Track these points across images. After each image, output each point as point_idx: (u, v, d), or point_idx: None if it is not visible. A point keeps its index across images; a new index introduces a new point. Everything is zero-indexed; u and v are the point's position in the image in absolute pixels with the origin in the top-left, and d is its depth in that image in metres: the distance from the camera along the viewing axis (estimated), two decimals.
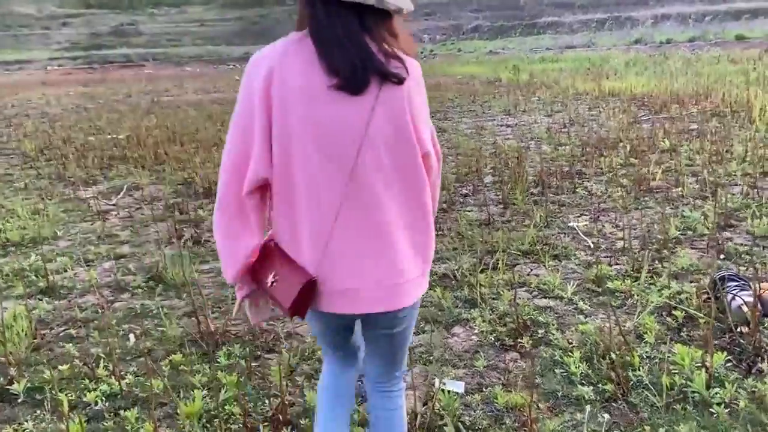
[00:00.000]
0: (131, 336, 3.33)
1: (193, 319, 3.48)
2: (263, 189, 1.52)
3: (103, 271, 4.38)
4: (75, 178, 7.42)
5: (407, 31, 1.53)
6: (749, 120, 9.13)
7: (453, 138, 9.41)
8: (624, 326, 3.07)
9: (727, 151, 6.81)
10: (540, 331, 3.07)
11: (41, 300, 3.83)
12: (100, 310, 3.67)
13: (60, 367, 2.94)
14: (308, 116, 1.43)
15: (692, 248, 4.12)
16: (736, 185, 5.63)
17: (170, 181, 7.20)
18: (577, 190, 5.84)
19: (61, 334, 3.39)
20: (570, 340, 2.96)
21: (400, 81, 1.46)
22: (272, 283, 1.52)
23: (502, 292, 3.60)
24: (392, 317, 1.61)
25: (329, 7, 1.41)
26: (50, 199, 6.43)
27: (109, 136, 10.85)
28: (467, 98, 15.25)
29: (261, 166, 1.46)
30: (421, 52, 44.46)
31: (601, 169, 6.61)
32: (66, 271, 4.37)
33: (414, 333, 3.01)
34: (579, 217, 5.06)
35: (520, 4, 59.89)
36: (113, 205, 6.28)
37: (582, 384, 2.60)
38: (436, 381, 2.66)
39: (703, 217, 4.64)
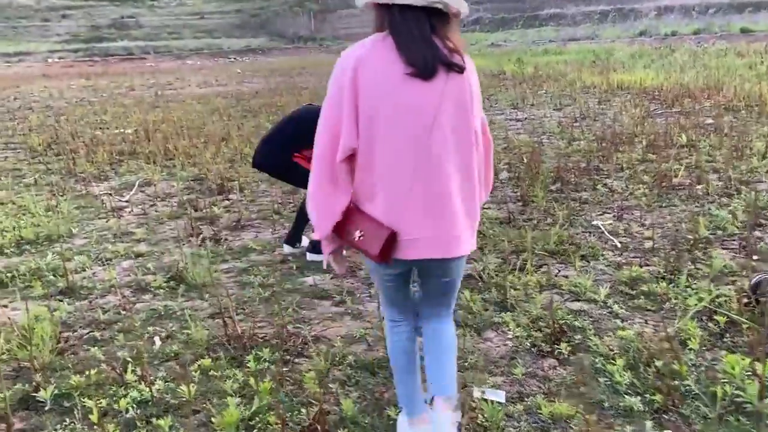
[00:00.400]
0: (156, 339, 3.25)
1: (218, 321, 3.42)
2: (351, 158, 1.88)
3: (122, 270, 4.30)
4: (86, 174, 7.33)
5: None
6: (765, 115, 9.04)
7: None
8: (664, 332, 2.99)
9: (746, 147, 6.71)
10: (577, 337, 3.00)
11: (61, 301, 3.75)
12: (122, 312, 3.59)
13: (87, 372, 2.86)
14: (390, 98, 1.79)
15: (723, 248, 4.04)
16: (761, 182, 5.54)
17: (182, 177, 7.11)
18: (597, 187, 5.75)
19: (84, 337, 3.31)
20: (610, 347, 2.88)
21: (461, 71, 1.83)
22: (359, 237, 1.89)
23: (533, 295, 3.52)
24: (446, 266, 1.99)
25: (405, 12, 1.80)
26: (62, 196, 6.34)
27: (117, 131, 10.75)
28: None
29: (349, 139, 1.83)
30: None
31: (620, 165, 6.52)
32: (85, 270, 4.29)
33: None
34: (602, 215, 4.98)
35: None
36: (126, 201, 6.19)
37: (628, 394, 2.53)
38: (475, 390, 2.59)
39: (731, 215, 4.56)
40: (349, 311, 3.50)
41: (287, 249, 4.50)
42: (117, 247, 4.73)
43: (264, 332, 3.26)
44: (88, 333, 3.36)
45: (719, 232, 4.31)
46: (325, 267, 2.34)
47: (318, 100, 14.74)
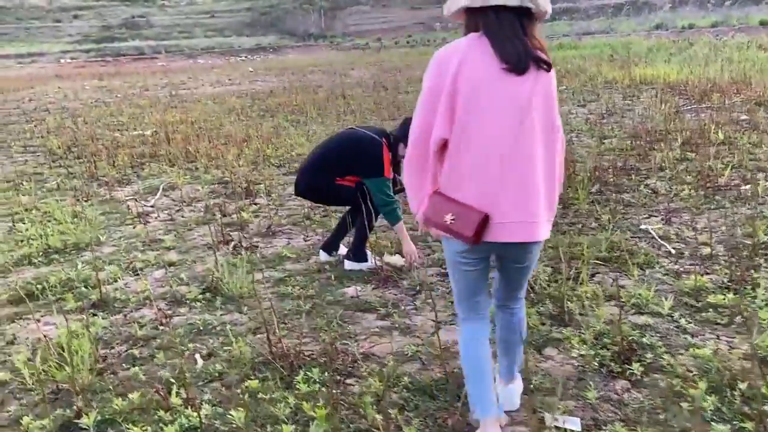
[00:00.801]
0: (198, 357, 3.10)
1: (260, 336, 3.26)
2: (442, 150, 2.04)
3: (155, 281, 4.15)
4: (108, 178, 7.21)
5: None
6: None
7: None
8: (740, 349, 2.80)
9: None
10: (647, 355, 2.80)
11: (95, 315, 3.61)
12: (159, 327, 3.44)
13: (130, 395, 2.71)
14: (488, 91, 1.95)
15: None
16: None
17: (206, 180, 6.97)
18: (639, 188, 5.54)
19: (123, 355, 3.16)
20: (687, 367, 2.69)
21: (549, 68, 2.00)
22: (451, 221, 2.01)
23: (592, 307, 3.33)
24: (527, 251, 2.13)
25: (499, 13, 1.97)
26: (87, 201, 6.22)
27: (135, 132, 10.64)
28: None
29: (442, 130, 2.00)
30: (434, 41, 43.92)
31: (657, 164, 6.31)
32: (116, 281, 4.15)
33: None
34: (648, 218, 4.77)
35: None
36: (151, 206, 6.05)
37: (715, 421, 2.34)
38: (548, 417, 2.41)
39: None
40: (396, 325, 3.33)
41: (323, 256, 4.34)
42: (147, 256, 4.58)
43: (310, 349, 3.09)
44: (126, 350, 3.21)
45: None
46: (434, 237, 2.48)
47: (333, 99, 14.62)
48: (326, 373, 2.85)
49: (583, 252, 3.99)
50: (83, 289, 3.99)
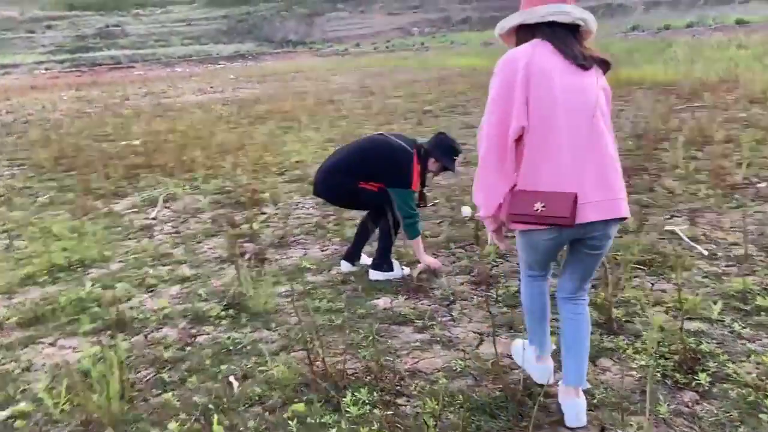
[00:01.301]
0: (233, 380, 2.92)
1: (293, 355, 3.10)
2: (518, 141, 2.15)
3: (172, 297, 3.95)
4: (103, 190, 6.96)
5: None
6: None
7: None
8: None
9: None
10: (710, 364, 2.69)
11: (114, 337, 3.40)
12: (186, 348, 3.25)
13: (168, 425, 2.53)
14: (560, 83, 2.12)
15: None
16: None
17: (206, 190, 6.76)
18: (654, 188, 5.47)
19: (151, 380, 2.97)
20: (757, 375, 2.58)
21: (608, 67, 2.24)
22: (541, 209, 2.10)
23: (638, 313, 3.22)
24: (609, 230, 2.22)
25: (554, 27, 2.18)
26: (85, 216, 5.98)
27: (124, 143, 10.36)
28: (479, 91, 14.83)
29: (521, 119, 2.12)
30: (413, 45, 43.95)
31: (667, 163, 6.26)
32: (130, 299, 3.95)
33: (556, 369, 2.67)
34: (671, 219, 4.70)
35: None
36: (153, 219, 5.84)
37: None
38: None
39: None
40: (437, 338, 3.18)
41: (346, 267, 4.18)
42: (159, 272, 4.38)
43: (351, 367, 2.93)
44: (154, 374, 3.02)
45: None
46: (488, 242, 2.69)
47: (321, 104, 14.45)
48: (374, 393, 2.69)
49: (616, 256, 3.90)
50: (97, 309, 3.78)
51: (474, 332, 3.21)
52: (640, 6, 50.89)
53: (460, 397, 2.63)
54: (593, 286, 3.57)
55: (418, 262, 4.06)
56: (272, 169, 7.61)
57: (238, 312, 3.63)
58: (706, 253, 3.98)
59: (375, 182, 3.88)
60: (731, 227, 4.38)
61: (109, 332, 3.45)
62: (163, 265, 4.55)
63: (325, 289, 3.89)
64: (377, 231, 4.10)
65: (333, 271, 4.20)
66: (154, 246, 4.96)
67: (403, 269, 4.00)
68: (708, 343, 2.87)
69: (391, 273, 3.97)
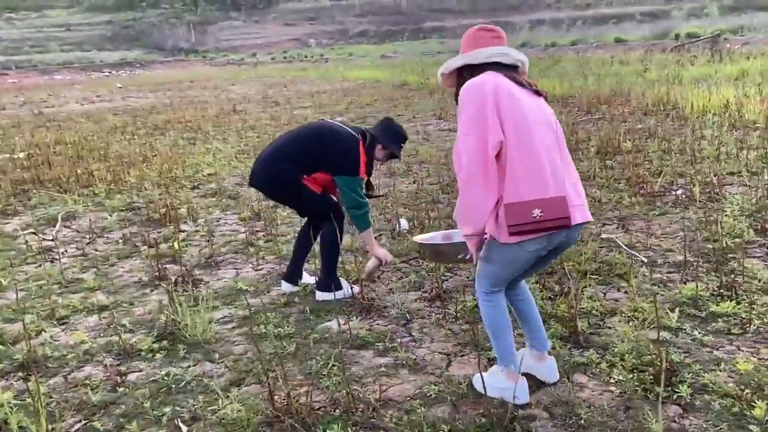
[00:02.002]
0: (181, 424, 2.55)
1: (246, 389, 2.78)
2: (498, 157, 2.24)
3: (90, 329, 3.48)
4: None
5: None
6: (683, 118, 9.46)
7: (407, 145, 8.94)
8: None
9: (695, 151, 6.86)
10: (685, 375, 2.67)
11: (27, 380, 2.91)
12: (117, 388, 2.83)
13: None
14: (528, 103, 2.30)
15: (753, 258, 3.92)
16: (729, 185, 5.61)
17: (111, 207, 6.17)
18: None
19: (81, 429, 2.54)
20: (736, 384, 2.57)
21: (546, 98, 2.48)
22: (539, 215, 2.19)
23: (599, 324, 3.18)
24: (577, 233, 2.45)
25: (497, 68, 2.37)
26: None
27: (6, 156, 9.35)
28: (386, 103, 14.89)
29: (497, 133, 2.22)
30: (311, 56, 43.66)
31: (584, 172, 6.43)
32: (40, 333, 3.43)
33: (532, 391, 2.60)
34: (603, 227, 4.78)
35: (402, 9, 60.82)
36: (52, 240, 5.21)
37: None
38: None
39: (745, 221, 4.50)
40: (402, 362, 2.97)
41: (286, 287, 3.88)
42: (70, 300, 3.87)
43: (316, 399, 2.66)
44: (83, 422, 2.58)
45: (737, 240, 4.21)
46: (475, 262, 2.49)
47: (225, 114, 13.87)
48: (348, 429, 2.43)
49: (563, 266, 3.87)
50: (0, 346, 3.24)
51: (440, 353, 3.03)
52: (526, 24, 53.60)
53: (444, 427, 2.43)
54: (550, 299, 3.51)
55: (374, 269, 3.85)
56: (184, 183, 7.10)
57: (173, 343, 3.24)
58: (645, 260, 4.04)
59: (320, 171, 3.58)
60: (662, 234, 4.51)
61: (20, 374, 2.95)
62: (74, 293, 4.03)
63: (269, 313, 3.57)
64: (318, 246, 3.84)
65: (273, 293, 3.89)
66: (58, 271, 4.39)
67: (351, 288, 3.76)
68: (675, 352, 2.86)
69: (339, 292, 3.72)
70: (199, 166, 7.99)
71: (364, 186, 3.64)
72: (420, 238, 3.11)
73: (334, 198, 3.79)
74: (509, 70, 2.37)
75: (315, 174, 3.58)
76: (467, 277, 3.95)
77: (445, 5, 58.97)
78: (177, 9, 57.34)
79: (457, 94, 2.43)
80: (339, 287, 3.73)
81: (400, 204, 5.63)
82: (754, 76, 13.30)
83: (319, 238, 3.81)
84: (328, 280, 3.72)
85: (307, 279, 3.93)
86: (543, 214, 2.18)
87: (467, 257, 2.64)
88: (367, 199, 3.64)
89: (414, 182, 6.57)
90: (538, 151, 2.24)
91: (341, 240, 3.76)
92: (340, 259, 3.87)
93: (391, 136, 3.72)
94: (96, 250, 4.91)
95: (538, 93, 2.40)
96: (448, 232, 3.17)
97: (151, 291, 4.03)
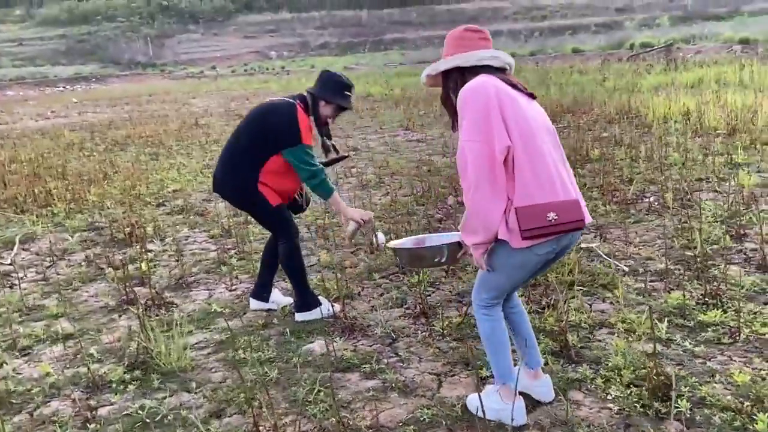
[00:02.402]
0: None
1: (228, 420, 2.62)
2: (505, 161, 2.17)
3: (55, 361, 3.26)
4: None
5: None
6: (645, 126, 9.61)
7: (376, 156, 8.88)
8: (761, 368, 2.72)
9: (661, 158, 6.94)
10: (682, 387, 2.61)
11: None
12: (88, 425, 2.64)
13: None
14: (524, 107, 2.25)
15: (732, 264, 3.93)
16: (699, 191, 5.67)
17: (72, 227, 5.90)
18: None
19: None
20: (734, 397, 2.52)
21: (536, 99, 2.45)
22: (554, 219, 2.15)
23: (588, 338, 3.12)
24: (580, 234, 2.44)
25: (490, 70, 2.34)
26: None
27: None
28: (352, 115, 14.78)
29: (504, 138, 2.15)
30: (272, 69, 43.35)
31: None
32: (1, 366, 3.19)
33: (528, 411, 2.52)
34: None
35: (362, 21, 61.09)
36: (10, 264, 4.93)
37: None
38: None
39: (720, 227, 4.53)
40: (391, 384, 2.85)
41: (255, 305, 3.73)
42: (31, 329, 3.64)
43: (304, 429, 2.51)
44: None
45: (715, 246, 4.23)
46: (485, 269, 2.35)
47: (187, 128, 13.57)
48: None
49: (547, 278, 3.82)
50: None
51: (429, 373, 2.92)
52: None
53: None
54: (537, 312, 3.44)
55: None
56: (148, 200, 6.86)
57: (146, 373, 3.06)
58: (627, 269, 4.02)
59: (271, 155, 3.35)
60: (640, 242, 4.50)
61: None
62: (36, 321, 3.80)
63: (247, 337, 3.41)
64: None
65: (250, 314, 3.72)
66: (18, 297, 4.14)
67: (332, 306, 3.62)
68: (669, 365, 2.81)
69: (317, 309, 3.57)
70: (163, 182, 7.75)
71: (311, 151, 3.36)
72: (393, 244, 2.97)
73: (308, 199, 3.69)
74: (499, 72, 2.34)
75: (269, 166, 3.37)
76: (450, 291, 3.86)
77: (405, 18, 59.43)
78: (133, 22, 56.36)
79: (446, 97, 2.40)
80: (316, 303, 3.58)
81: (376, 217, 5.51)
82: (709, 83, 13.67)
83: (279, 261, 3.63)
84: (303, 299, 3.57)
85: (281, 298, 3.78)
86: (558, 217, 2.15)
87: (443, 260, 2.59)
88: (318, 165, 3.38)
89: (387, 194, 6.47)
90: (543, 154, 2.21)
91: (297, 256, 3.54)
92: (318, 277, 3.74)
93: (331, 88, 3.42)
94: (58, 274, 4.66)
95: (531, 96, 2.37)
96: (418, 237, 3.04)
97: (119, 316, 3.82)
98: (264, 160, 3.37)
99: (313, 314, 3.56)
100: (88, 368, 2.99)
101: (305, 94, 3.45)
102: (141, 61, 46.84)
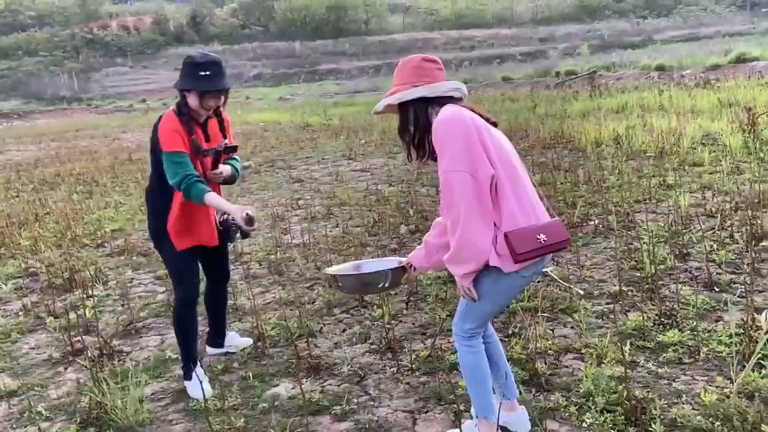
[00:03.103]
0: None
1: None
2: (490, 189, 2.19)
3: (1, 421, 3.01)
4: None
5: None
6: (579, 149, 9.98)
7: (322, 187, 8.81)
8: (722, 386, 2.81)
9: (599, 180, 7.19)
10: (652, 410, 2.66)
11: None
12: None
13: None
14: (497, 135, 2.33)
15: (679, 283, 4.07)
16: (639, 212, 5.89)
17: (5, 274, 5.54)
18: None
19: None
20: (707, 417, 2.57)
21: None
22: (544, 241, 2.22)
23: (556, 364, 3.15)
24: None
25: (452, 101, 2.37)
26: None
27: None
28: (292, 145, 14.70)
29: (488, 167, 2.18)
30: None
31: None
32: None
33: None
34: None
35: (296, 52, 61.35)
36: None
37: None
38: None
39: (664, 247, 4.70)
40: (364, 425, 2.77)
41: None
42: None
43: None
44: None
45: (661, 267, 4.38)
46: (474, 295, 2.31)
47: (120, 164, 13.13)
48: None
49: (510, 305, 3.84)
50: None
51: (402, 411, 2.86)
52: None
53: None
54: (502, 340, 3.45)
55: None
56: (85, 242, 6.54)
57: (101, 429, 2.87)
58: (582, 292, 4.10)
59: (163, 185, 3.00)
60: (591, 264, 4.62)
61: None
62: None
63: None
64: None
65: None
66: None
67: (203, 391, 2.71)
68: (636, 387, 2.86)
69: (188, 383, 3.20)
70: (100, 221, 7.43)
71: (179, 158, 2.90)
72: (331, 270, 2.80)
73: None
74: (460, 102, 2.38)
75: (165, 197, 3.04)
76: (413, 324, 3.83)
77: (338, 48, 60.01)
78: (57, 57, 54.45)
79: (404, 129, 2.39)
80: (188, 376, 3.20)
81: (328, 250, 5.44)
82: (633, 108, 14.37)
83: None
84: (184, 367, 3.25)
85: (239, 340, 3.65)
86: (548, 238, 2.22)
87: (387, 285, 2.62)
88: (186, 171, 2.89)
89: (337, 226, 6.41)
90: (521, 179, 2.28)
91: (191, 320, 3.19)
92: (277, 314, 3.62)
93: (184, 74, 2.95)
94: None
95: (494, 124, 2.40)
96: (354, 263, 2.94)
97: (65, 369, 3.59)
98: (165, 187, 2.99)
99: (188, 386, 3.21)
100: (38, 428, 2.78)
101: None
102: (66, 96, 45.24)
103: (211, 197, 2.92)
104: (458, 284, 2.32)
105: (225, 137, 3.19)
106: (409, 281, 4.22)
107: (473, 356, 2.42)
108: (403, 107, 2.38)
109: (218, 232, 3.22)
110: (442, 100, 2.33)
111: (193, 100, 2.96)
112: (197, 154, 3.03)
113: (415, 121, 2.36)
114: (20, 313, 4.55)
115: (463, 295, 2.36)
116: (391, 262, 2.75)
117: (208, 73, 2.90)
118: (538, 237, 2.20)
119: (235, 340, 3.67)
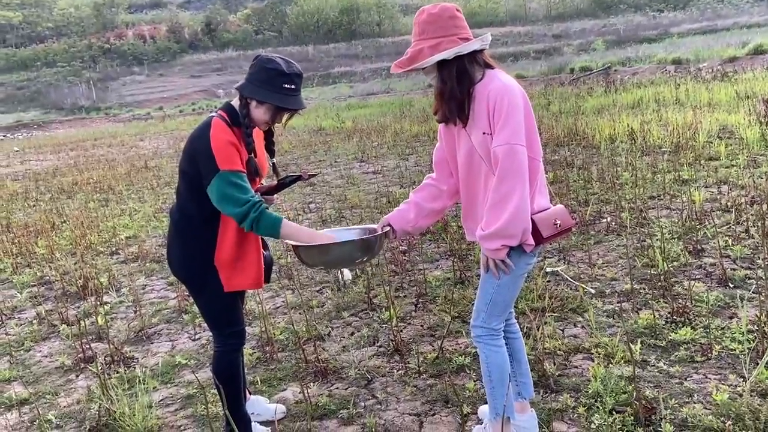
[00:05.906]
0: None
1: None
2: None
3: (11, 429, 3.04)
4: None
5: None
6: (593, 146, 9.88)
7: (334, 190, 8.82)
8: (736, 384, 2.75)
9: (613, 177, 7.11)
10: (663, 409, 2.61)
11: None
12: None
13: None
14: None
15: (692, 280, 4.00)
16: (652, 208, 5.81)
17: (21, 282, 5.62)
18: None
19: None
20: (718, 417, 2.52)
21: None
22: (558, 225, 2.23)
23: (565, 364, 3.11)
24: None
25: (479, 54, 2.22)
26: None
27: None
28: (305, 149, 14.75)
29: (539, 143, 2.21)
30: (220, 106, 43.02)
31: None
32: None
33: None
34: (544, 260, 4.79)
35: (309, 56, 61.59)
36: None
37: None
38: None
39: (677, 243, 4.63)
40: (369, 429, 2.75)
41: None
42: None
43: None
44: None
45: (675, 263, 4.31)
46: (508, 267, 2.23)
47: (136, 171, 13.27)
48: None
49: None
50: None
51: (409, 414, 2.84)
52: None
53: None
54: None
55: None
56: (100, 249, 6.61)
57: None
58: (593, 291, 4.05)
59: (201, 194, 2.37)
60: (603, 263, 4.56)
61: None
62: None
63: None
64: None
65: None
66: None
67: None
68: (647, 387, 2.81)
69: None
70: (115, 229, 7.50)
71: (239, 179, 2.30)
72: (293, 242, 2.35)
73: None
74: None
75: (212, 222, 2.43)
76: (422, 326, 3.81)
77: (351, 51, 60.18)
78: (75, 67, 55.33)
79: (447, 88, 2.12)
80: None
81: None
82: (648, 103, 14.19)
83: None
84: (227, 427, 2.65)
85: (265, 406, 2.99)
86: (561, 224, 2.23)
87: (365, 259, 2.37)
88: (253, 196, 2.31)
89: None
90: (541, 167, 2.23)
91: (241, 367, 2.69)
92: (285, 319, 3.62)
93: (261, 80, 2.34)
94: (7, 334, 4.41)
95: None
96: (325, 232, 2.50)
97: (77, 376, 3.62)
98: (210, 211, 2.39)
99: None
100: None
101: (235, 95, 2.45)
102: (84, 105, 45.86)
103: (288, 226, 2.35)
104: (488, 261, 2.17)
105: (273, 155, 2.63)
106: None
107: (501, 356, 2.33)
108: (443, 63, 2.11)
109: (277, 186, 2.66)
110: (477, 56, 2.15)
111: (262, 113, 2.37)
112: (252, 178, 2.44)
113: (459, 78, 2.11)
114: (34, 321, 4.61)
115: (493, 271, 2.18)
116: (359, 231, 2.48)
117: (293, 87, 2.36)
118: (555, 222, 2.21)
119: (260, 406, 2.96)
